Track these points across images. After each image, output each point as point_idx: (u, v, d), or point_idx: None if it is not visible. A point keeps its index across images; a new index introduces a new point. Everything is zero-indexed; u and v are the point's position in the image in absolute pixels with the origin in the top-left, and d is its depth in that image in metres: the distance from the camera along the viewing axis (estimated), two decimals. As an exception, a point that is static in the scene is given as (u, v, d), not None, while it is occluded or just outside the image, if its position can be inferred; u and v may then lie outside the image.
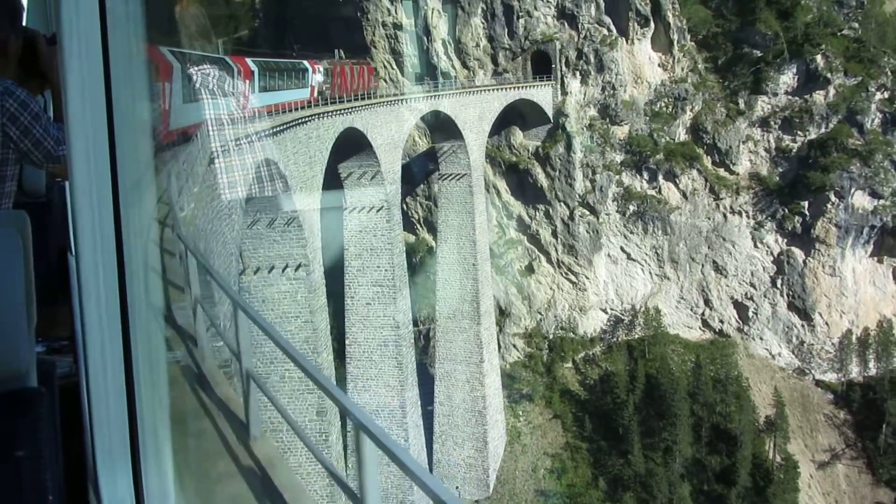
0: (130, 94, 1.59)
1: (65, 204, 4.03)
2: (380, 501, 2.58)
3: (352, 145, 43.82)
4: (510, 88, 65.29)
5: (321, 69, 40.56)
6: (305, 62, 39.08)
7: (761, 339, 64.66)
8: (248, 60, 30.10)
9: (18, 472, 1.66)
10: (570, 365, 70.50)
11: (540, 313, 71.86)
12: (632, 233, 67.68)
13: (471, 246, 62.27)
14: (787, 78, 62.71)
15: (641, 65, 67.23)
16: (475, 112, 60.69)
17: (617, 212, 67.85)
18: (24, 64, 3.18)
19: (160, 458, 1.74)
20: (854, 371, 62.11)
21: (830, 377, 62.91)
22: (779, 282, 63.65)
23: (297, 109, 33.32)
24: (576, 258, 69.65)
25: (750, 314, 64.96)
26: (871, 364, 61.59)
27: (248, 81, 28.54)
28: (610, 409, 64.93)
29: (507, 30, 70.54)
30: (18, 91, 2.87)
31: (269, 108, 30.54)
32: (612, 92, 67.44)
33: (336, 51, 57.76)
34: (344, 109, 40.27)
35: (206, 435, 3.98)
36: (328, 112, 37.92)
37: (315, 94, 38.76)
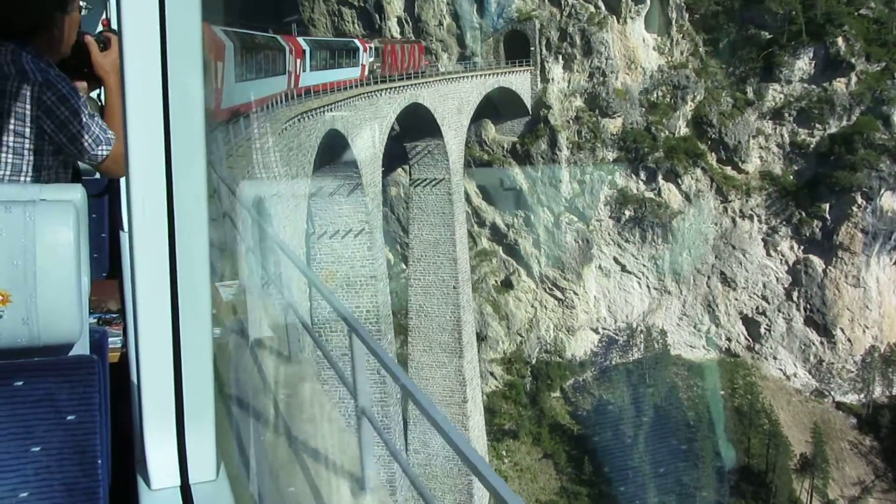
0: (186, 73, 1.62)
1: (118, 180, 4.02)
2: None
3: (330, 153, 32.69)
4: (489, 75, 55.07)
5: (372, 48, 40.35)
6: (356, 41, 39.69)
7: (775, 358, 57.50)
8: (300, 39, 30.12)
9: (71, 435, 1.71)
10: (557, 394, 61.48)
11: (520, 335, 62.44)
12: (627, 241, 59.03)
13: (450, 265, 51.98)
14: (803, 63, 55.27)
15: (635, 48, 58.38)
16: (454, 104, 50.21)
17: (610, 217, 58.99)
18: (80, 67, 3.16)
19: (204, 429, 1.78)
20: (877, 391, 55.85)
21: (852, 399, 56.46)
22: (795, 294, 56.51)
23: (346, 88, 33.59)
24: (562, 271, 60.50)
25: (762, 331, 57.64)
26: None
27: (299, 60, 28.10)
28: (612, 445, 56.25)
29: (476, 6, 60.24)
30: (60, 84, 2.81)
31: (320, 87, 30.63)
32: (601, 79, 58.27)
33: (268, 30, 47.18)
34: (324, 107, 29.34)
35: (248, 409, 3.86)
36: (312, 110, 26.97)
37: (366, 73, 38.55)
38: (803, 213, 55.19)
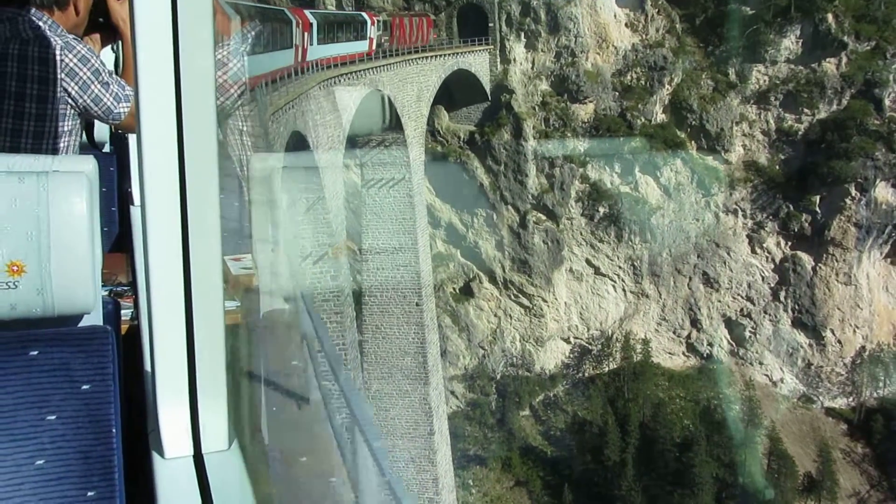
0: (197, 47, 1.62)
1: (127, 155, 4.17)
2: None
3: (294, 161, 24.74)
4: (449, 55, 47.54)
5: (380, 21, 39.62)
6: (364, 14, 38.95)
7: (760, 363, 53.18)
8: (307, 12, 30.13)
9: (86, 404, 1.74)
10: (527, 412, 55.33)
11: (483, 348, 55.79)
12: (601, 241, 53.13)
13: (412, 279, 44.64)
14: (790, 42, 50.41)
15: (606, 24, 52.07)
16: (413, 89, 42.56)
17: (582, 215, 52.88)
18: (95, 18, 3.17)
19: (217, 400, 1.81)
20: (866, 394, 52.43)
21: (841, 403, 52.86)
22: (782, 294, 52.18)
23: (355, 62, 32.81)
24: (529, 276, 54.07)
25: (746, 334, 53.16)
26: (886, 385, 52.15)
27: (306, 34, 27.53)
28: (592, 469, 50.61)
29: (425, -25, 52.38)
30: (79, 46, 2.86)
31: (327, 61, 30.22)
32: (570, 60, 51.73)
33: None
34: (290, 103, 21.58)
35: (260, 381, 3.96)
36: (279, 110, 19.25)
37: (373, 46, 37.54)
38: (791, 207, 50.73)
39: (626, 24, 52.39)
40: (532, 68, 52.31)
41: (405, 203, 43.42)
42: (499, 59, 52.43)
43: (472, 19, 52.20)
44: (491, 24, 51.98)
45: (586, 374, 54.93)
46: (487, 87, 52.55)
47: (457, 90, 51.97)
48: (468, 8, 52.33)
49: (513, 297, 54.92)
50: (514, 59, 52.25)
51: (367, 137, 40.58)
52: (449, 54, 47.57)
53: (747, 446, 47.10)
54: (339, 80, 31.23)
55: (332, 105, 30.07)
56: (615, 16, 52.25)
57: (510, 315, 55.31)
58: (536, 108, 52.00)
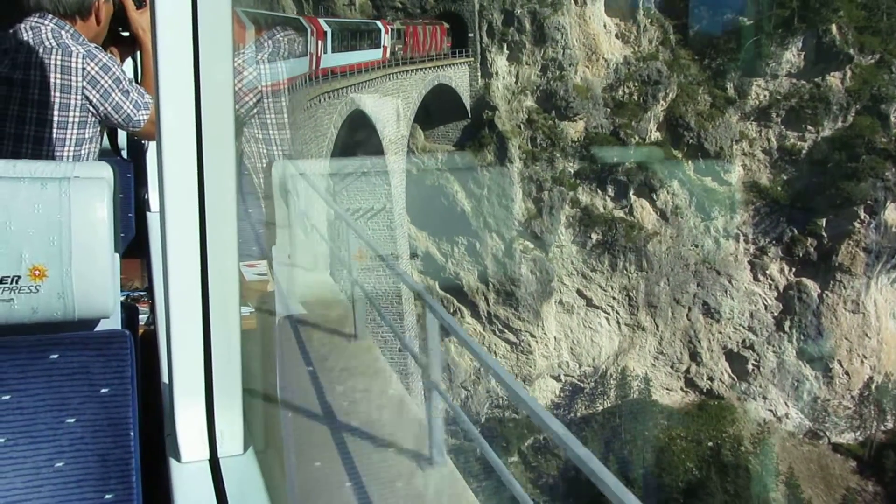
0: (217, 56, 1.63)
1: (144, 162, 4.20)
2: None
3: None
4: (429, 69, 42.74)
5: (394, 30, 39.65)
6: (378, 22, 38.98)
7: (764, 398, 49.63)
8: (321, 21, 30.44)
9: (104, 407, 1.77)
10: (515, 458, 50.47)
11: (466, 388, 50.86)
12: (594, 270, 48.88)
13: (396, 321, 39.40)
14: (791, 55, 47.22)
15: (596, 35, 48.03)
16: (392, 108, 37.59)
17: (573, 242, 48.56)
18: (115, 27, 3.19)
19: (232, 405, 1.84)
20: (873, 427, 49.40)
21: (848, 438, 49.67)
22: (786, 324, 48.77)
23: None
24: (515, 309, 49.46)
25: (749, 367, 49.57)
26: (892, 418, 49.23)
27: (320, 42, 28.09)
28: (592, 524, 45.99)
29: (396, -20, 47.53)
30: (101, 55, 2.88)
31: (340, 69, 30.05)
32: (558, 73, 47.49)
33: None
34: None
35: (276, 386, 3.64)
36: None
37: (387, 54, 38.02)
38: (796, 231, 47.42)
39: (616, 35, 48.49)
40: (516, 83, 47.92)
41: (386, 237, 38.40)
42: (479, 73, 47.90)
43: (451, 29, 47.58)
44: (471, 35, 47.44)
45: (579, 415, 50.50)
46: (467, 104, 47.96)
47: (434, 107, 47.19)
48: (445, 17, 47.67)
49: (498, 332, 50.18)
50: (497, 73, 47.78)
51: (346, 162, 35.45)
52: (429, 68, 42.78)
53: (763, 494, 43.39)
54: (319, 101, 26.10)
55: (313, 130, 24.95)
56: (605, 26, 48.30)
57: (495, 352, 50.51)
58: (522, 125, 47.58)
